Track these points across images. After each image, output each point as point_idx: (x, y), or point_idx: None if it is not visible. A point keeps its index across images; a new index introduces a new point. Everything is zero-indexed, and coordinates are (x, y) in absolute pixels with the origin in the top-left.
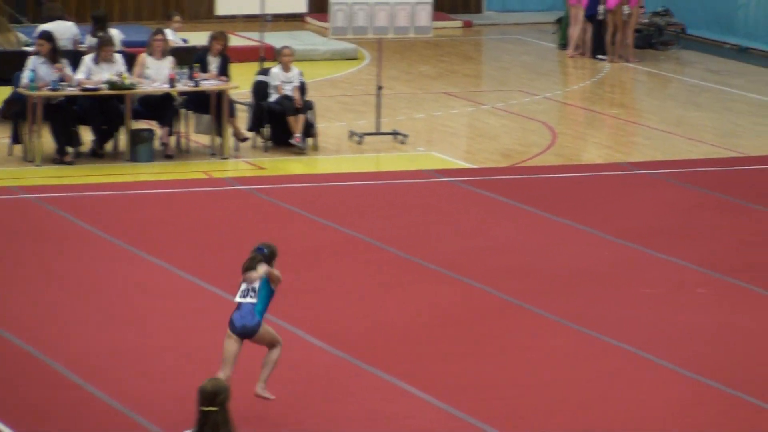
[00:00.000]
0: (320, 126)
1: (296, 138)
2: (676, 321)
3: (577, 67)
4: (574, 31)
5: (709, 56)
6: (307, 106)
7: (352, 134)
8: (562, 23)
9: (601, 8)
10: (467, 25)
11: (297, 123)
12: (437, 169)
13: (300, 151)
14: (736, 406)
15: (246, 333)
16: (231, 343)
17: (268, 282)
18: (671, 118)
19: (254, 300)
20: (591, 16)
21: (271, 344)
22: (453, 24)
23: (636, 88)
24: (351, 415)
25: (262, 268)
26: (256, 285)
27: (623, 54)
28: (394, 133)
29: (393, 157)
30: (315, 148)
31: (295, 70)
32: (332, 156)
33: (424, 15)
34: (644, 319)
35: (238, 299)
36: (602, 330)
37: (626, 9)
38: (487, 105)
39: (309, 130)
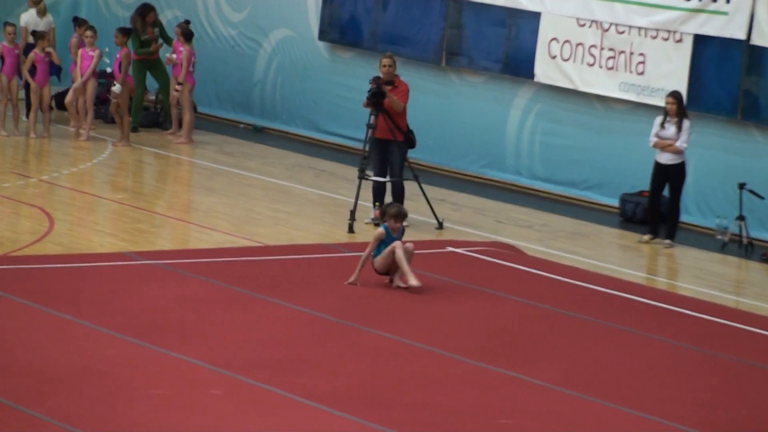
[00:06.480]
0: None
1: None
2: (190, 424)
3: (77, 148)
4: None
5: (223, 137)
6: None
7: None
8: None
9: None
10: None
11: None
12: None
13: None
14: None
15: None
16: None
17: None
18: (181, 204)
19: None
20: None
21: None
22: None
23: (142, 170)
24: None
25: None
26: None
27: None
28: None
29: None
30: None
31: None
32: None
33: None
34: (156, 423)
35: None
36: None
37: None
38: None
39: None
